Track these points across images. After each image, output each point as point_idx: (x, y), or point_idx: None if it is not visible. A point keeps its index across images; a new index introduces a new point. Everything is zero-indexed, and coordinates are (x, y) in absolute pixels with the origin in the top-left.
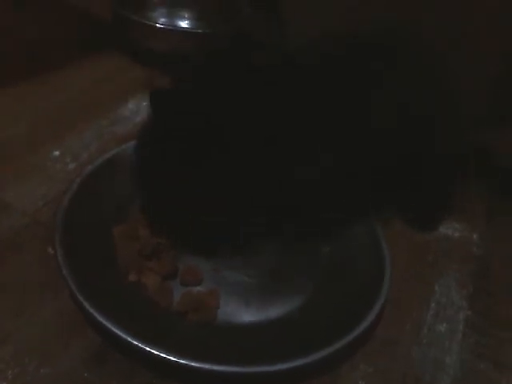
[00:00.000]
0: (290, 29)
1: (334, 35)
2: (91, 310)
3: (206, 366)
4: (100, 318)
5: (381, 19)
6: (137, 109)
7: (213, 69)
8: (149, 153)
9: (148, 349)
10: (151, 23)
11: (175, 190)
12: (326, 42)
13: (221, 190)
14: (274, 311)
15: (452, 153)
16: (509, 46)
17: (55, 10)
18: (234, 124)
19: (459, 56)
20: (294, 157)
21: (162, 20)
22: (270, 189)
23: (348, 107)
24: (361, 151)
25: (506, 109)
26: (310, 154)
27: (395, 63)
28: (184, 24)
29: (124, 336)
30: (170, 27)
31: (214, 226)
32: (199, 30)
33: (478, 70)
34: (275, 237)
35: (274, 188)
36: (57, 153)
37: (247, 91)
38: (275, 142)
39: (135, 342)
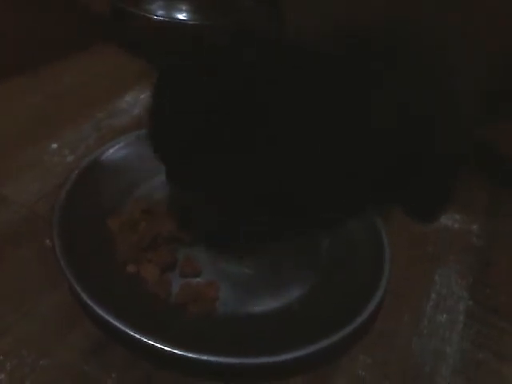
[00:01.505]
0: (290, 28)
1: (334, 35)
2: (89, 302)
3: (204, 357)
4: (99, 310)
5: (380, 19)
6: (134, 101)
7: (212, 63)
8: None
9: (145, 340)
10: (149, 15)
11: (177, 186)
12: (325, 41)
13: (222, 188)
14: (273, 303)
15: (452, 152)
16: (509, 46)
17: (55, 9)
18: (233, 123)
19: (459, 56)
20: (294, 156)
21: (160, 12)
22: (270, 187)
23: (348, 107)
24: (361, 151)
25: (505, 108)
26: (310, 153)
27: (395, 63)
28: (182, 16)
29: (122, 327)
30: (167, 19)
31: (215, 223)
32: (197, 22)
33: (478, 70)
34: (275, 230)
35: (275, 186)
36: (55, 146)
37: (246, 89)
38: (276, 141)
39: (133, 334)
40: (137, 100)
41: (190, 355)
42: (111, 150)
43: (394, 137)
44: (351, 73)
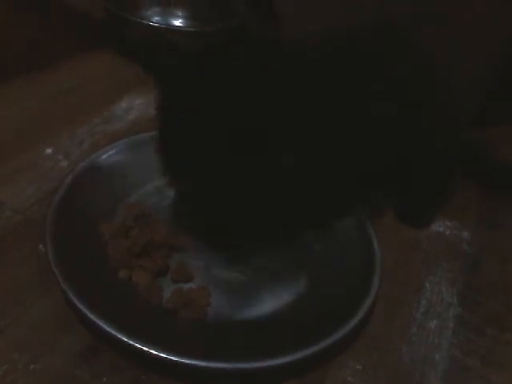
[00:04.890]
0: (289, 28)
1: (333, 35)
2: (81, 307)
3: (195, 362)
4: (90, 315)
5: (380, 19)
6: (129, 107)
7: (208, 67)
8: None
9: (136, 345)
10: (145, 22)
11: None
12: (324, 41)
13: (212, 189)
14: (264, 308)
15: (447, 152)
16: (508, 45)
17: (55, 9)
18: (230, 124)
19: (457, 56)
20: (288, 155)
21: (156, 19)
22: (262, 188)
23: (344, 107)
24: (354, 150)
25: (503, 108)
26: (304, 152)
27: (394, 63)
28: (178, 23)
29: (114, 332)
30: (164, 26)
31: (206, 225)
32: (193, 29)
33: (477, 69)
34: (266, 234)
35: (267, 187)
36: (49, 150)
37: (243, 89)
38: (270, 142)
39: (124, 339)
40: (132, 106)
41: (181, 360)
42: (105, 156)
43: (390, 136)
44: (349, 72)
